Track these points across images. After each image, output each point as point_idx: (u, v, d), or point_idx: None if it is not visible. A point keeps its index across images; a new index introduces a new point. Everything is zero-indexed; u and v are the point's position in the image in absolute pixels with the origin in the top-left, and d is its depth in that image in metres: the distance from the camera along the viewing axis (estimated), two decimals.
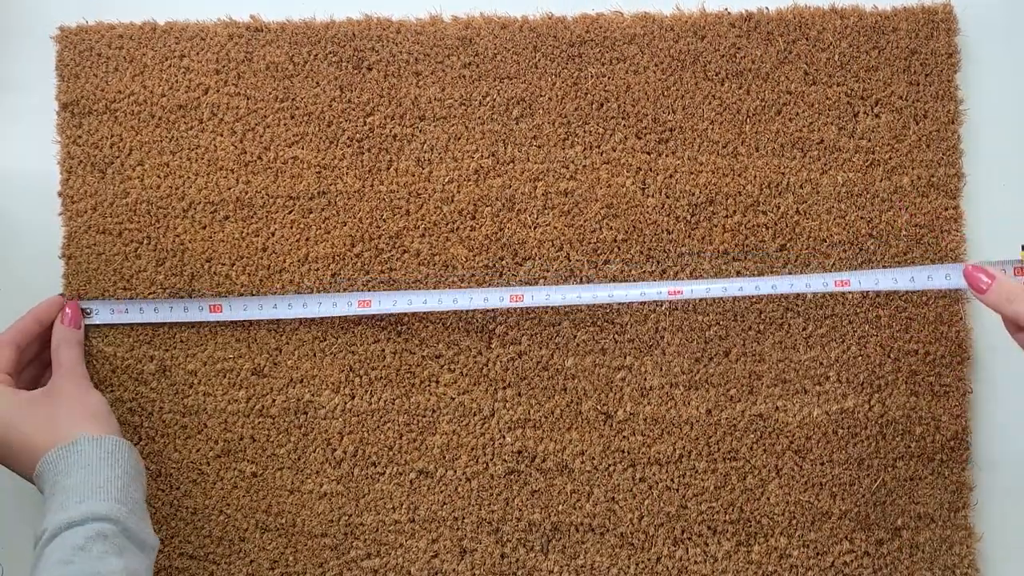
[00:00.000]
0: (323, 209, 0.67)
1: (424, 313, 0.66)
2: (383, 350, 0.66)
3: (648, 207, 0.66)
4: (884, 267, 0.66)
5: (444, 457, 0.66)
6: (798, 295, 0.66)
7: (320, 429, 0.66)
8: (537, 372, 0.66)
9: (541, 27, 0.67)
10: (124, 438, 0.60)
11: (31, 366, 0.65)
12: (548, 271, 0.66)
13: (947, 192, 0.67)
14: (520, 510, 0.66)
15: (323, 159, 0.67)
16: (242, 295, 0.66)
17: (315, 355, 0.66)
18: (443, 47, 0.67)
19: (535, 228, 0.67)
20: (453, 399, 0.66)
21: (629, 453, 0.66)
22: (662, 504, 0.66)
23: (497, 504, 0.66)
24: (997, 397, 0.67)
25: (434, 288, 0.66)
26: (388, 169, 0.67)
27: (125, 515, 0.55)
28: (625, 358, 0.66)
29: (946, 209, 0.66)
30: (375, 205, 0.67)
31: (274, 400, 0.66)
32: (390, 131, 0.67)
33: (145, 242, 0.66)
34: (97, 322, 0.66)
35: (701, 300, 0.66)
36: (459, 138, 0.67)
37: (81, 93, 0.67)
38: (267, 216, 0.67)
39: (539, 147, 0.67)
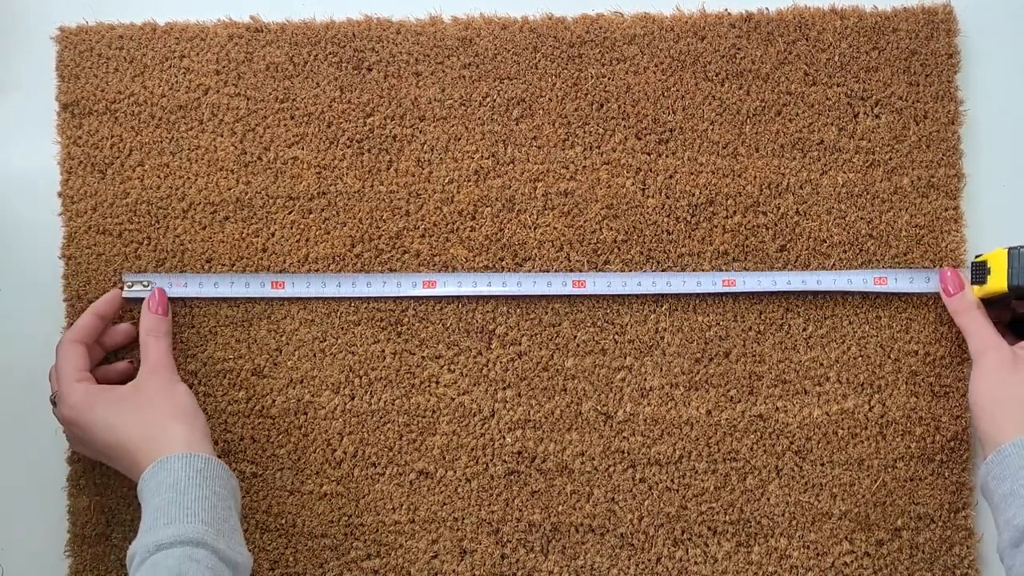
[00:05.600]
0: (323, 209, 0.67)
1: (424, 313, 0.66)
2: (383, 350, 0.66)
3: (648, 208, 0.66)
4: (885, 268, 0.66)
5: (444, 458, 0.66)
6: (798, 295, 0.66)
7: (320, 430, 0.66)
8: (537, 373, 0.66)
9: (541, 27, 0.67)
10: (212, 434, 0.61)
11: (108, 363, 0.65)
12: (548, 272, 0.66)
13: (947, 193, 0.67)
14: (520, 511, 0.66)
15: (323, 159, 0.67)
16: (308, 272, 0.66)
17: (315, 356, 0.66)
18: (443, 48, 0.67)
19: (535, 229, 0.67)
20: (453, 399, 0.66)
21: (629, 454, 0.66)
22: (662, 505, 0.66)
23: (497, 505, 0.66)
24: None
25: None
26: (388, 169, 0.67)
27: (213, 536, 0.54)
28: (625, 359, 0.66)
29: (946, 210, 0.66)
30: (375, 205, 0.67)
31: (274, 401, 0.66)
32: (390, 132, 0.67)
33: (145, 243, 0.66)
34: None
35: (701, 301, 0.66)
36: (459, 138, 0.67)
37: (81, 94, 0.67)
38: (267, 216, 0.67)
39: (539, 148, 0.67)
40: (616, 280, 0.66)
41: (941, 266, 0.66)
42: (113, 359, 0.66)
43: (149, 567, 0.52)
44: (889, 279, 0.66)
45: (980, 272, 0.63)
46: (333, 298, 0.66)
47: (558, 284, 0.66)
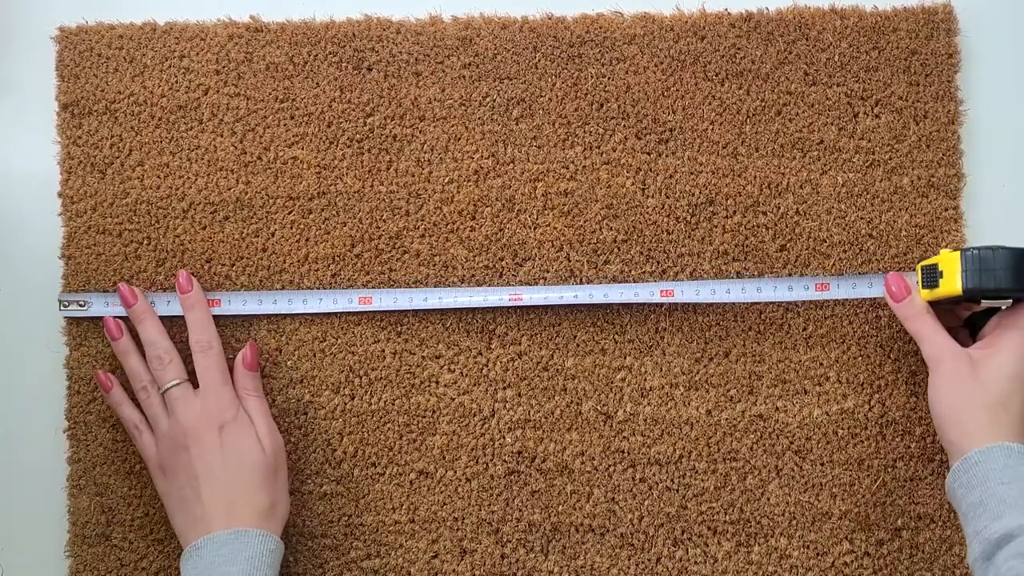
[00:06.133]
0: (323, 209, 0.67)
1: (424, 313, 0.66)
2: (383, 350, 0.66)
3: (648, 208, 0.66)
4: (884, 269, 0.66)
5: (444, 458, 0.66)
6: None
7: (320, 430, 0.66)
8: (537, 372, 0.66)
9: (541, 27, 0.67)
10: None
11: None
12: (548, 272, 0.66)
13: (947, 192, 0.67)
14: (520, 511, 0.66)
15: (323, 159, 0.67)
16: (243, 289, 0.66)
17: (315, 355, 0.66)
18: (443, 47, 0.67)
19: (535, 229, 0.67)
20: (453, 399, 0.66)
21: (629, 453, 0.66)
22: (662, 504, 0.66)
23: (497, 504, 0.66)
24: None
25: (435, 287, 0.66)
26: (388, 169, 0.67)
27: None
28: (625, 358, 0.66)
29: (946, 209, 0.66)
30: (375, 205, 0.67)
31: (274, 400, 0.66)
32: (390, 131, 0.67)
33: (145, 242, 0.66)
34: (93, 314, 0.65)
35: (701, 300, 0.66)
36: (459, 138, 0.67)
37: (81, 93, 0.67)
38: (267, 216, 0.67)
39: (539, 147, 0.67)
40: (551, 293, 0.66)
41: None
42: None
43: None
44: (831, 285, 0.65)
45: (931, 276, 0.61)
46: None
47: (493, 299, 0.66)
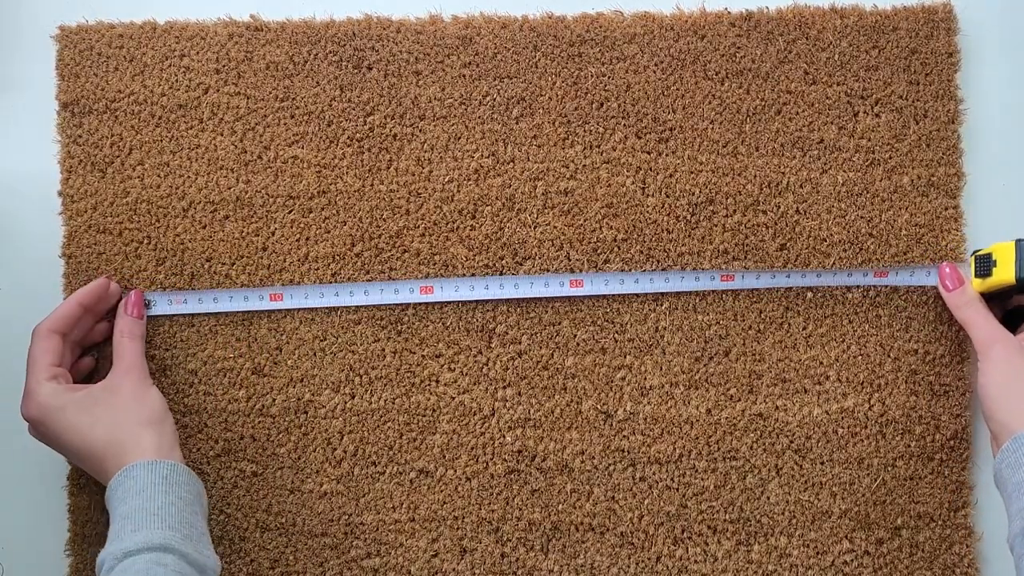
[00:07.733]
0: (323, 209, 0.67)
1: (424, 312, 0.66)
2: (383, 349, 0.66)
3: (648, 207, 0.67)
4: (883, 268, 0.66)
5: (444, 456, 0.66)
6: (798, 294, 0.66)
7: (320, 428, 0.66)
8: (537, 371, 0.66)
9: (541, 27, 0.67)
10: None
11: (85, 356, 0.65)
12: (548, 271, 0.66)
13: (947, 192, 0.67)
14: (520, 509, 0.66)
15: (323, 159, 0.67)
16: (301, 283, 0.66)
17: (315, 354, 0.66)
18: (443, 47, 0.67)
19: (535, 228, 0.67)
20: (453, 398, 0.66)
21: (629, 452, 0.66)
22: (662, 503, 0.66)
23: (497, 504, 0.66)
24: None
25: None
26: (388, 168, 0.67)
27: (180, 541, 0.54)
28: (625, 357, 0.66)
29: (946, 209, 0.67)
30: (375, 205, 0.67)
31: (274, 399, 0.66)
32: (390, 131, 0.67)
33: (145, 242, 0.66)
34: (156, 313, 0.66)
35: (701, 299, 0.66)
36: (459, 138, 0.67)
37: (81, 93, 0.67)
38: (267, 216, 0.67)
39: (539, 146, 0.67)
40: (614, 279, 0.66)
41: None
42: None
43: (118, 574, 0.52)
44: (890, 274, 0.66)
45: (985, 265, 0.63)
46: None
47: (556, 285, 0.66)
